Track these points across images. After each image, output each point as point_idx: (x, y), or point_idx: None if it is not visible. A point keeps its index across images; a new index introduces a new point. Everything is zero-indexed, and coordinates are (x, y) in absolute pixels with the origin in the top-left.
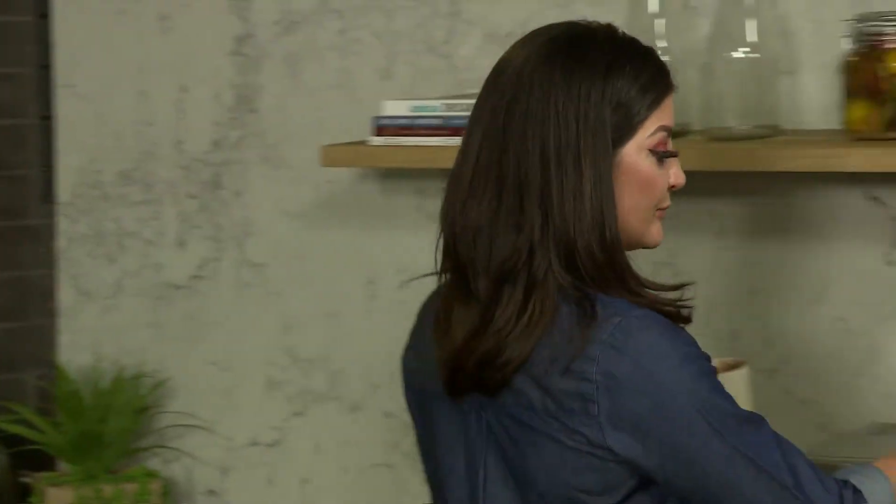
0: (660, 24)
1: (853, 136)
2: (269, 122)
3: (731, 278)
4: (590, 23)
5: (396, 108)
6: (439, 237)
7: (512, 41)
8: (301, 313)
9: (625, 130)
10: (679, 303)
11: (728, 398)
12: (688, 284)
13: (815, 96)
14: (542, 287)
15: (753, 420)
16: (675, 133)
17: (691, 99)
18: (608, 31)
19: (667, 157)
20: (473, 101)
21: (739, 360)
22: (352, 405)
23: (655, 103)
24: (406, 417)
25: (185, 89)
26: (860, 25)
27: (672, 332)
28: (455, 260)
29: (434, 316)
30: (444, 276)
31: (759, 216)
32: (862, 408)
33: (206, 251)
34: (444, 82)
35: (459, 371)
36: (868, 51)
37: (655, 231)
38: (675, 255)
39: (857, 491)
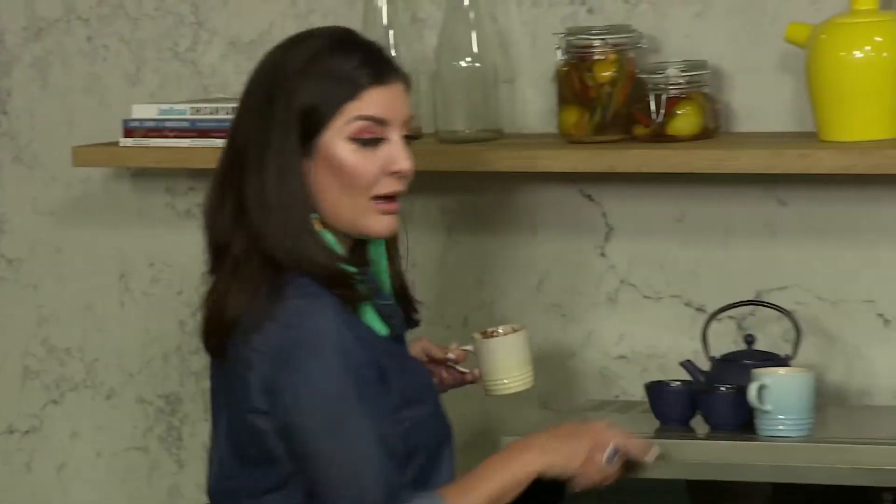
0: (391, 36)
1: (567, 139)
2: (20, 124)
3: (461, 270)
4: (334, 27)
5: (145, 112)
6: None
7: (254, 49)
8: (56, 306)
9: (318, 122)
10: (354, 281)
11: (359, 398)
12: (364, 268)
13: (532, 103)
14: (244, 268)
15: (372, 419)
16: (406, 136)
17: (422, 104)
18: (332, 32)
19: (369, 143)
20: (219, 105)
21: (521, 326)
22: (107, 392)
23: (351, 95)
24: (159, 403)
25: None
26: (571, 38)
27: (340, 324)
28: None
29: None
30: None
31: (485, 213)
32: (578, 387)
33: None
34: (190, 87)
35: (204, 328)
36: (578, 62)
37: (375, 222)
38: (410, 249)
39: None
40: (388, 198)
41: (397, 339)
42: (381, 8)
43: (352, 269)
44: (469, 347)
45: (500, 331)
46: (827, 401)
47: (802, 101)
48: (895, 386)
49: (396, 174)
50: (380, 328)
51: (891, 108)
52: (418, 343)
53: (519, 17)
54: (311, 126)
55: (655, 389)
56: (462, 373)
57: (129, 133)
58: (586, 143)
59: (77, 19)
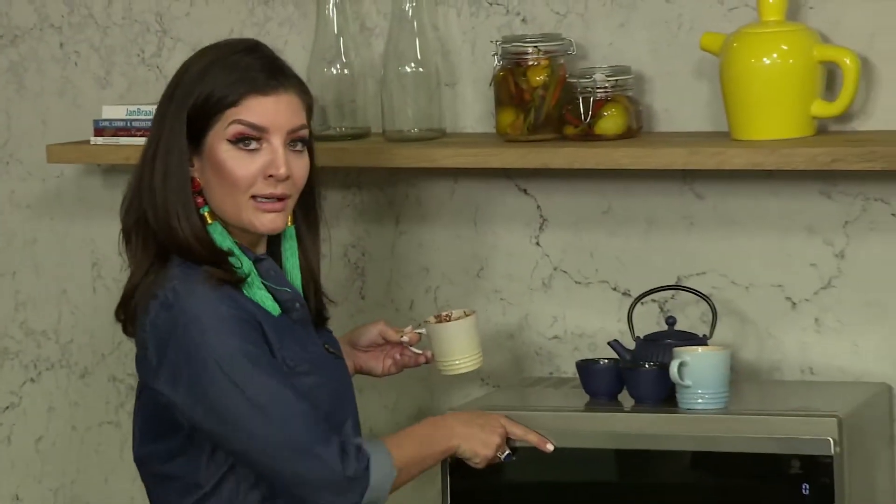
0: (342, 43)
1: (503, 138)
2: None
3: (408, 258)
4: (241, 39)
5: (114, 113)
6: None
7: None
8: (33, 292)
9: (204, 123)
10: (234, 269)
11: (252, 358)
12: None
13: (472, 105)
14: (138, 252)
15: (270, 376)
16: (356, 135)
17: (370, 106)
18: (233, 44)
19: (246, 147)
20: None
21: (471, 310)
22: (81, 371)
23: (234, 102)
24: (130, 381)
25: None
26: (506, 46)
27: (214, 299)
28: None
29: None
30: None
31: (429, 205)
32: (516, 365)
33: None
34: (155, 90)
35: (116, 313)
36: (513, 67)
37: (255, 218)
38: (362, 239)
39: (361, 449)
40: (269, 198)
41: (296, 321)
42: (332, 18)
43: (233, 253)
44: (422, 330)
45: (453, 315)
46: (741, 376)
47: (716, 103)
48: (802, 362)
49: (273, 178)
50: (271, 307)
51: (795, 111)
52: (375, 326)
53: (459, 26)
54: (198, 126)
55: (586, 367)
56: (416, 354)
57: (99, 132)
58: (521, 142)
59: (50, 27)
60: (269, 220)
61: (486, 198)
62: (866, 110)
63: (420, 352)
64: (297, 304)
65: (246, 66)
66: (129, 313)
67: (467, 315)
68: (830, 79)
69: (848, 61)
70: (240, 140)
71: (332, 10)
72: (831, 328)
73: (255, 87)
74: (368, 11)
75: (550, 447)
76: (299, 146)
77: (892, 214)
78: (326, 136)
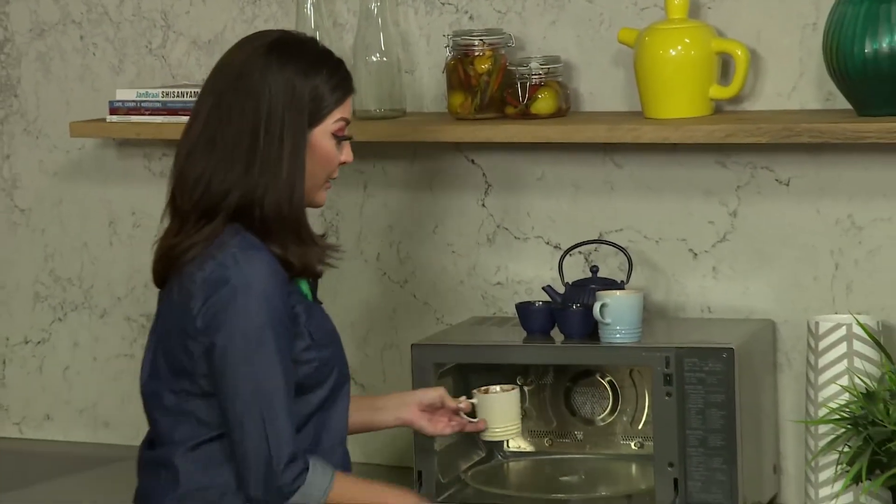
0: (318, 36)
1: (454, 116)
2: (28, 105)
3: (375, 218)
4: (297, 33)
5: (126, 95)
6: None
7: (212, 46)
8: (59, 245)
9: (316, 117)
10: (325, 259)
11: (276, 338)
12: (339, 248)
13: (427, 88)
14: (215, 222)
15: (279, 362)
16: None
17: None
18: (312, 41)
19: (343, 140)
20: (185, 90)
21: (511, 386)
22: (100, 312)
23: (340, 100)
24: (141, 321)
25: None
26: (456, 39)
27: (267, 275)
28: (173, 196)
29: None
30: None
31: (392, 173)
32: (465, 307)
33: None
34: (161, 76)
35: (154, 265)
36: (462, 57)
37: (322, 196)
38: (335, 201)
39: (307, 466)
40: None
41: (315, 300)
42: (310, 15)
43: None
44: (474, 400)
45: (498, 389)
46: (652, 315)
47: (631, 87)
48: (701, 303)
49: (343, 164)
50: (307, 292)
51: (696, 94)
52: (436, 391)
53: (416, 23)
54: (313, 119)
55: (523, 308)
56: (473, 422)
57: (113, 111)
58: (469, 120)
59: (72, 23)
60: (325, 198)
61: (440, 167)
62: (754, 93)
63: (476, 420)
64: (310, 282)
65: (337, 68)
66: (170, 270)
67: (506, 391)
68: (725, 67)
69: (739, 52)
70: (339, 134)
71: (309, 9)
72: (726, 275)
73: (350, 88)
74: (340, 10)
75: None
76: None
77: (776, 180)
78: None
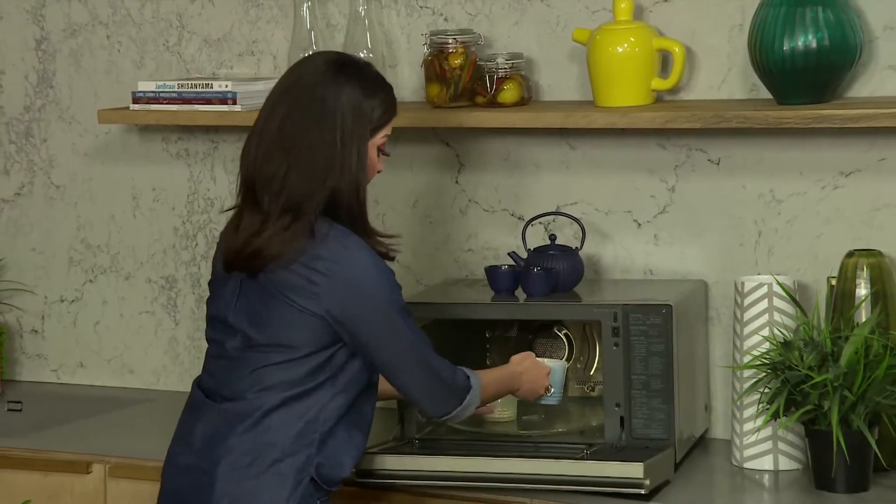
0: (313, 36)
1: (431, 105)
2: (62, 95)
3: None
4: (352, 56)
5: (147, 86)
6: (238, 176)
7: (220, 44)
8: (90, 217)
9: (376, 130)
10: (390, 246)
11: (406, 309)
12: (397, 237)
13: (408, 80)
14: (303, 218)
15: (415, 328)
16: None
17: None
18: (366, 64)
19: (384, 154)
20: (197, 82)
21: (561, 360)
22: (126, 275)
23: (388, 121)
24: (161, 282)
25: (4, 72)
26: (433, 38)
27: (376, 258)
28: (249, 190)
29: (227, 224)
30: (238, 200)
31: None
32: (441, 270)
33: (23, 178)
34: (177, 70)
35: (237, 256)
36: (438, 53)
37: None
38: None
39: (469, 377)
40: None
41: None
42: (306, 17)
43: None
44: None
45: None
46: (601, 277)
47: (584, 80)
48: (644, 266)
49: (378, 172)
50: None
51: (640, 86)
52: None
53: (398, 24)
54: (371, 133)
55: (491, 271)
56: None
57: (136, 101)
58: (444, 108)
59: (99, 24)
60: None
61: (419, 149)
62: (690, 85)
63: None
64: None
65: (389, 93)
66: (261, 259)
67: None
68: (664, 62)
69: (677, 50)
70: (383, 148)
71: (305, 11)
72: (665, 242)
73: (395, 111)
74: (332, 13)
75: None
76: None
77: (708, 160)
78: None
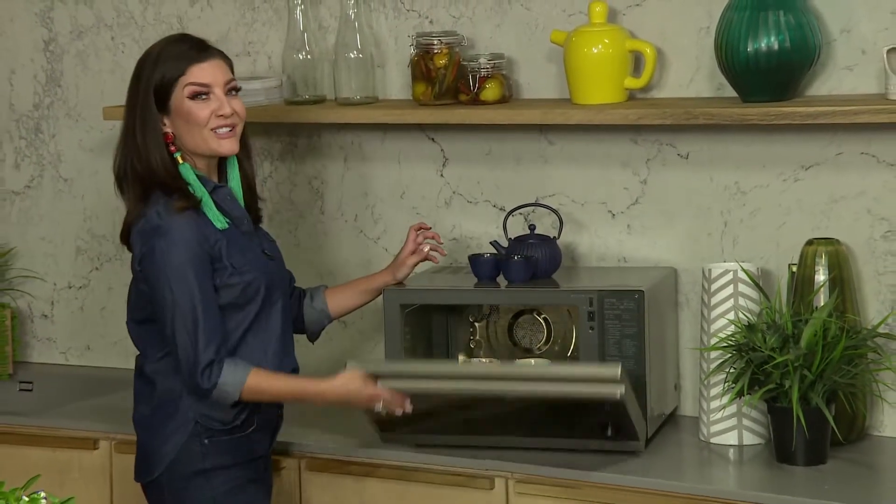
0: (306, 37)
1: (417, 103)
2: (69, 93)
3: (353, 185)
4: (178, 34)
5: None
6: None
7: (218, 45)
8: (96, 208)
9: (168, 88)
10: (192, 194)
11: (194, 271)
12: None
13: (396, 79)
14: (129, 189)
15: (198, 288)
16: (316, 101)
17: (326, 81)
18: (171, 37)
19: (199, 98)
20: None
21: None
22: (130, 263)
23: (182, 72)
24: None
25: (14, 72)
26: (419, 39)
27: (182, 224)
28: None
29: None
30: None
31: (367, 149)
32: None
33: (33, 171)
34: None
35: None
36: (424, 53)
37: (217, 144)
38: (321, 172)
39: (222, 370)
40: (224, 127)
41: (244, 233)
42: (299, 19)
43: (192, 183)
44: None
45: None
46: (578, 264)
47: (561, 79)
48: (618, 254)
49: (221, 116)
50: (220, 223)
51: (613, 84)
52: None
53: (387, 26)
54: (162, 96)
55: (474, 258)
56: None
57: None
58: (430, 106)
59: (104, 26)
60: (227, 144)
61: (406, 144)
62: (660, 84)
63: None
64: (245, 220)
65: (182, 46)
66: (127, 235)
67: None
68: (637, 63)
69: (648, 51)
70: (195, 96)
71: (299, 14)
72: (638, 231)
73: (193, 59)
74: (324, 15)
75: (408, 408)
76: (234, 92)
77: (678, 154)
78: (296, 102)
